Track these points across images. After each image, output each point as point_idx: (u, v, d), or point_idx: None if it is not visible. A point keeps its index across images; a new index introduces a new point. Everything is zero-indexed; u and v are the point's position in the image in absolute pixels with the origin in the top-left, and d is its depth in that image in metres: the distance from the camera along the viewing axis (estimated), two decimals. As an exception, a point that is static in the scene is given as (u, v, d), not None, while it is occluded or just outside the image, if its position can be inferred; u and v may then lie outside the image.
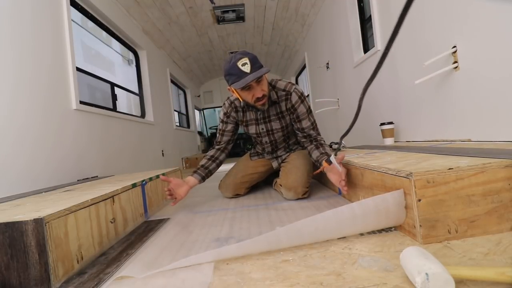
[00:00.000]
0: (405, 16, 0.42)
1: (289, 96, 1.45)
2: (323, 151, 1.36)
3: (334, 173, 1.18)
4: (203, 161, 1.57)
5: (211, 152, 1.61)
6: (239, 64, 1.29)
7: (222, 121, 1.63)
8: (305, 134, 1.47)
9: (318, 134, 1.49)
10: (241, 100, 1.45)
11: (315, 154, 1.37)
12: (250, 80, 1.27)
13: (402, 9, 0.42)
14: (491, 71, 1.33)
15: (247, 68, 1.28)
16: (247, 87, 1.34)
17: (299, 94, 1.46)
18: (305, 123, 1.47)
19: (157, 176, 1.62)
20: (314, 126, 1.49)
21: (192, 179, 1.47)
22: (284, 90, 1.46)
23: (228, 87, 1.40)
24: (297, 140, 1.69)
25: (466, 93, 1.49)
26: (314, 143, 1.42)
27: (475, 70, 1.42)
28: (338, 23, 3.19)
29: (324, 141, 1.46)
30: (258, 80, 1.34)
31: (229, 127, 1.61)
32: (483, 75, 1.38)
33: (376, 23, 2.32)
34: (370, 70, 0.56)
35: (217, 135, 1.67)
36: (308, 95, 4.83)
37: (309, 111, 1.48)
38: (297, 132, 1.51)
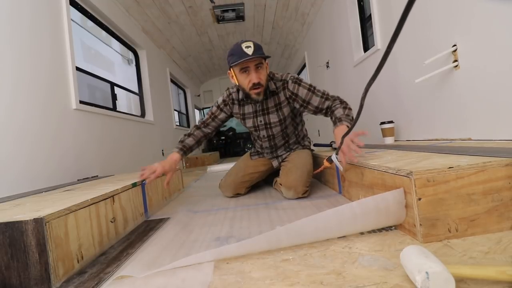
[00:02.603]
0: (407, 15, 0.42)
1: (286, 85, 1.47)
2: (337, 116, 1.30)
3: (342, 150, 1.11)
4: (186, 139, 1.59)
5: (195, 132, 1.61)
6: (243, 45, 1.33)
7: (218, 107, 1.62)
8: (323, 111, 1.43)
9: (334, 99, 1.40)
10: (236, 83, 1.45)
11: (332, 120, 1.35)
12: (249, 58, 1.30)
13: (404, 8, 0.42)
14: (491, 70, 1.33)
15: (249, 51, 1.32)
16: (245, 70, 1.37)
17: (294, 79, 1.47)
18: (315, 101, 1.42)
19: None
20: (325, 97, 1.41)
21: (177, 156, 1.52)
22: (281, 80, 1.49)
23: (228, 71, 1.43)
24: (297, 140, 1.69)
25: (466, 92, 1.49)
26: (330, 113, 1.39)
27: (475, 69, 1.42)
28: (338, 22, 3.19)
29: (340, 101, 1.39)
30: (257, 67, 1.37)
31: (222, 115, 1.62)
32: (483, 74, 1.38)
33: (376, 22, 2.31)
34: (370, 69, 0.56)
35: (207, 116, 1.64)
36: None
37: (312, 88, 1.44)
38: (319, 114, 1.46)
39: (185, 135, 1.61)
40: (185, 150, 1.55)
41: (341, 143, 1.06)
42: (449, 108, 1.63)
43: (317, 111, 1.44)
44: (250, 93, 1.43)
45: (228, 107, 1.60)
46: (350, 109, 1.35)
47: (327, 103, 1.41)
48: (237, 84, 1.46)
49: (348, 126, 1.23)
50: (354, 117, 0.96)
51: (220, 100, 1.63)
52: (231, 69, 1.41)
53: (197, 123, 1.67)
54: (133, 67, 3.76)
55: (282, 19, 4.41)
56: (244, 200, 1.54)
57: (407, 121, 2.09)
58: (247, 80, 1.39)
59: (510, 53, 1.23)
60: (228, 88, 1.63)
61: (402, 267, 0.59)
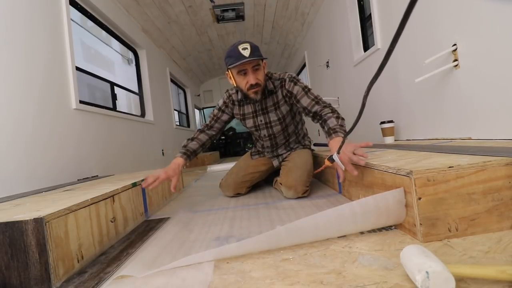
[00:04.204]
0: (410, 14, 0.42)
1: (283, 83, 1.49)
2: (330, 126, 1.27)
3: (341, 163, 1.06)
4: (189, 143, 1.55)
5: (200, 136, 1.58)
6: (240, 47, 1.33)
7: (220, 109, 1.62)
8: (311, 114, 1.41)
9: (324, 106, 1.38)
10: (234, 85, 1.48)
11: (324, 130, 1.32)
12: (245, 60, 1.31)
13: (407, 7, 0.41)
14: (491, 69, 1.33)
15: (246, 53, 1.32)
16: (243, 71, 1.38)
17: (291, 77, 1.48)
18: (305, 101, 1.41)
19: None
20: (316, 101, 1.40)
21: (181, 160, 1.46)
22: (279, 79, 1.51)
23: (226, 72, 1.44)
24: (298, 139, 1.69)
25: (466, 91, 1.49)
26: (320, 121, 1.36)
27: (475, 68, 1.42)
28: (338, 21, 3.18)
29: (331, 110, 1.36)
30: (255, 68, 1.38)
31: (224, 116, 1.62)
32: (483, 73, 1.38)
33: (376, 21, 2.31)
34: (371, 69, 0.56)
35: (209, 119, 1.65)
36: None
37: (306, 89, 1.44)
38: (307, 116, 1.46)
39: (188, 139, 1.58)
40: (188, 154, 1.50)
41: (343, 142, 1.04)
42: (449, 108, 1.63)
43: (304, 112, 1.45)
44: (248, 93, 1.44)
45: (228, 108, 1.62)
46: (342, 119, 1.32)
47: (316, 107, 1.39)
48: (235, 85, 1.49)
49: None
50: (357, 116, 0.93)
51: (220, 102, 1.64)
52: (229, 71, 1.42)
53: (200, 127, 1.65)
54: (133, 67, 3.76)
55: (282, 18, 4.41)
56: (244, 200, 1.54)
57: (407, 120, 2.09)
58: (244, 81, 1.41)
59: (510, 52, 1.22)
60: (227, 90, 1.64)
61: (402, 267, 0.59)
